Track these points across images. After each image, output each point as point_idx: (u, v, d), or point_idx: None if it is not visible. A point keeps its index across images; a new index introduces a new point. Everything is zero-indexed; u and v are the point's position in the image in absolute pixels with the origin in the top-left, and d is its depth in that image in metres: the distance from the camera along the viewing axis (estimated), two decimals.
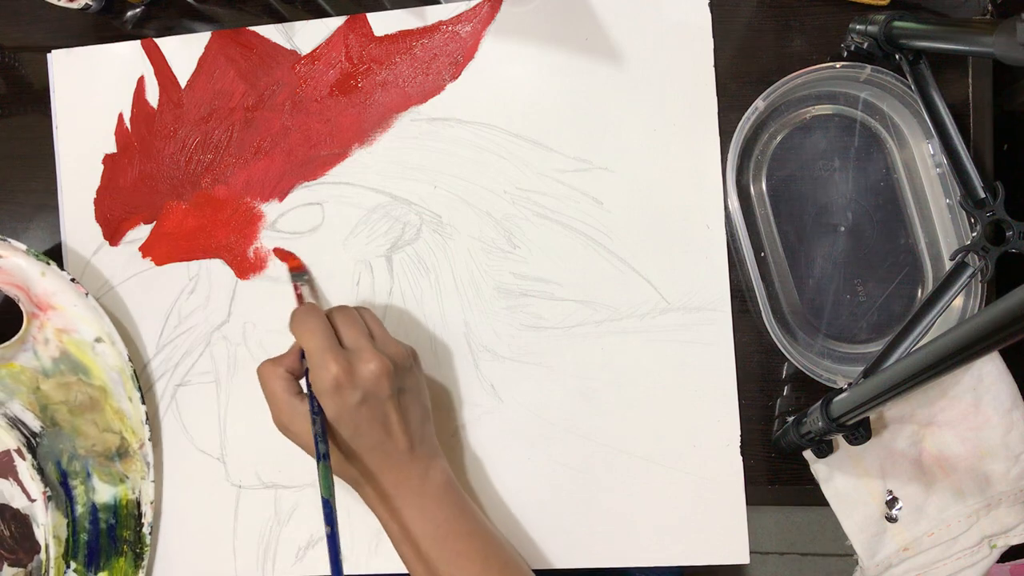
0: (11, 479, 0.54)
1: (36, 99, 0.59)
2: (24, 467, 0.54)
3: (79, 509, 0.54)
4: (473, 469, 0.54)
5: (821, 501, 0.52)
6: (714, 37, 0.54)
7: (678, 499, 0.53)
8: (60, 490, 0.54)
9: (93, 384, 0.54)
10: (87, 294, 0.53)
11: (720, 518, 0.53)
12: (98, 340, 0.53)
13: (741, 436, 0.53)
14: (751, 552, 0.53)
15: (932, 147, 0.52)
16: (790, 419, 0.51)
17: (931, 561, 0.51)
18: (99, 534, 0.55)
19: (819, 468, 0.52)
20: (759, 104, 0.51)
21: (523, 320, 0.54)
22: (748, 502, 0.53)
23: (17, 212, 0.59)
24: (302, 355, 0.47)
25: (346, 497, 0.52)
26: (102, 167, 0.58)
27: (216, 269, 0.56)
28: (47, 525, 0.53)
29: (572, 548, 0.53)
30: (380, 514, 0.47)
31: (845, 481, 0.51)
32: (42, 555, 0.54)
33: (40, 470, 0.54)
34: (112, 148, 0.58)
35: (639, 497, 0.53)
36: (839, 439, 0.50)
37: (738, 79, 0.54)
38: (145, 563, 0.55)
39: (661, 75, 0.54)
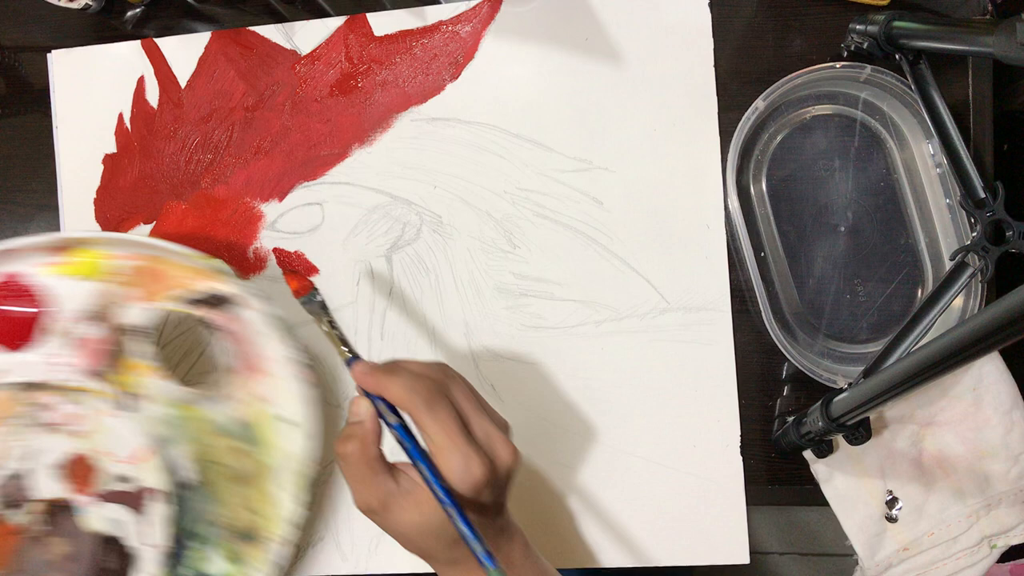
0: (139, 516, 0.51)
1: (36, 99, 0.59)
2: (157, 511, 0.51)
3: (183, 572, 0.51)
4: None
5: (821, 501, 0.52)
6: (714, 37, 0.54)
7: (678, 499, 0.53)
8: (174, 546, 0.51)
9: (260, 459, 0.50)
10: (315, 384, 0.49)
11: (720, 518, 0.53)
12: (293, 424, 0.49)
13: (741, 436, 0.53)
14: (751, 552, 0.53)
15: (932, 147, 0.52)
16: (790, 419, 0.51)
17: (931, 561, 0.51)
18: None
19: (819, 468, 0.52)
20: (759, 104, 0.51)
21: (523, 320, 0.54)
22: (748, 502, 0.53)
23: (17, 212, 0.59)
24: (380, 416, 0.41)
25: (346, 497, 0.52)
26: (102, 167, 0.58)
27: None
28: (148, 575, 0.50)
29: (572, 548, 0.53)
30: None
31: (845, 481, 0.51)
32: None
33: (171, 521, 0.51)
34: (112, 148, 0.58)
35: (639, 497, 0.53)
36: (839, 439, 0.50)
37: (738, 79, 0.54)
38: None
39: (661, 75, 0.54)
